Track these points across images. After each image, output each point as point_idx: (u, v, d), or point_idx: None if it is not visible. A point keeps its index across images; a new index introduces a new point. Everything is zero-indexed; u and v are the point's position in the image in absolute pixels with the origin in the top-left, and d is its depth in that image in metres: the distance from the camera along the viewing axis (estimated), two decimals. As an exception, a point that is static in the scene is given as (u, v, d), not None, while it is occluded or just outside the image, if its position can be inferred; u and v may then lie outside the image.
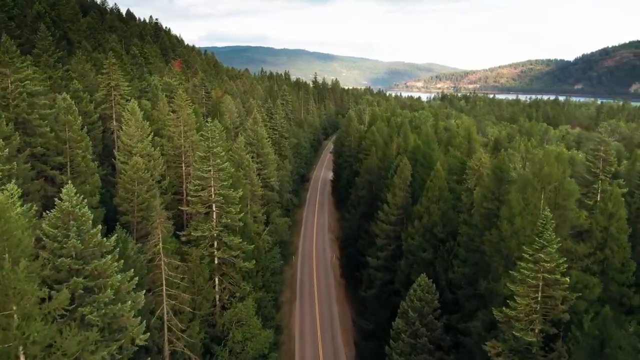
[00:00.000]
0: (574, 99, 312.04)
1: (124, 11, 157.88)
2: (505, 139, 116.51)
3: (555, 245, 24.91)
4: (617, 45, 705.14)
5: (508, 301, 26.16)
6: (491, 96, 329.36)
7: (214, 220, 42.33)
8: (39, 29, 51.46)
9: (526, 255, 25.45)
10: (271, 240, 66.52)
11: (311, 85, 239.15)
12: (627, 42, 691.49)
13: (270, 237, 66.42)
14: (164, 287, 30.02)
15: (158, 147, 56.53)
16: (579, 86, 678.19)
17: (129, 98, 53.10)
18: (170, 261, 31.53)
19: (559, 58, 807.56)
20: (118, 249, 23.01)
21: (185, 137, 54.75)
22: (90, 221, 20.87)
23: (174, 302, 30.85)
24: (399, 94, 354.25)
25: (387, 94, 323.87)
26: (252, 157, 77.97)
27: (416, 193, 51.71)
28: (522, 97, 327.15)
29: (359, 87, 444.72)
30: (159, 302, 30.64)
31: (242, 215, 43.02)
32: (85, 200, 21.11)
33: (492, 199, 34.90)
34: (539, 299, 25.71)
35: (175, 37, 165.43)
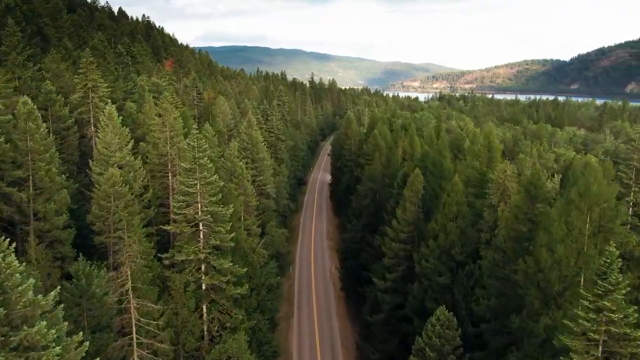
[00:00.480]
0: (573, 99, 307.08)
1: (117, 10, 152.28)
2: (510, 142, 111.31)
3: (623, 290, 19.60)
4: (612, 45, 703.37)
5: (562, 358, 20.82)
6: (489, 96, 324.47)
7: (201, 241, 36.86)
8: (7, 24, 45.77)
9: (585, 302, 20.10)
10: (267, 254, 61.14)
11: (308, 85, 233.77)
12: (623, 42, 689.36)
13: (265, 251, 61.03)
14: (134, 336, 24.58)
15: (142, 155, 51.08)
16: (575, 86, 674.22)
17: (108, 101, 47.40)
18: (142, 303, 26.03)
19: (555, 58, 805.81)
20: (62, 305, 17.47)
21: (172, 144, 49.21)
22: (19, 273, 15.34)
23: (147, 352, 25.37)
24: (396, 94, 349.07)
25: (385, 94, 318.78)
26: (247, 163, 72.53)
27: (426, 205, 46.50)
28: (520, 98, 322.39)
29: (355, 87, 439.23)
30: (130, 352, 25.23)
31: (233, 234, 37.53)
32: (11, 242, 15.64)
33: (523, 219, 29.62)
34: (600, 355, 20.40)
35: (169, 36, 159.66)
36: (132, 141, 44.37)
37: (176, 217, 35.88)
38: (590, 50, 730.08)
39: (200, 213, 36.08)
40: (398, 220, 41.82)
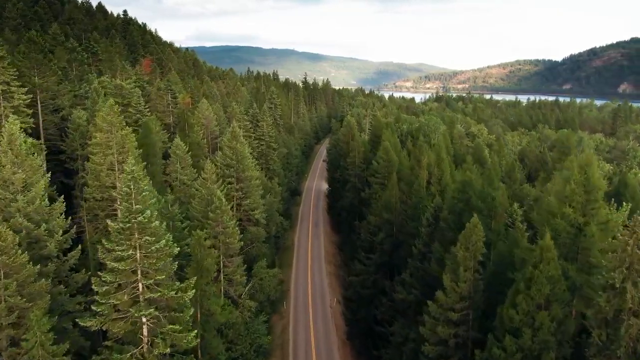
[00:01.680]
0: (577, 100, 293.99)
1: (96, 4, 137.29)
2: (532, 152, 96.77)
3: None
4: (604, 45, 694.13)
5: None
6: (488, 97, 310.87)
7: (145, 343, 22.60)
8: None
9: None
10: (254, 307, 46.86)
11: (301, 85, 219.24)
12: (614, 42, 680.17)
13: (253, 302, 46.76)
14: None
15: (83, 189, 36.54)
16: (567, 86, 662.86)
17: (23, 114, 32.69)
18: None
19: (547, 58, 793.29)
20: None
21: (120, 171, 34.79)
22: None
23: None
24: (391, 94, 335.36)
25: (380, 95, 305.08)
26: (230, 183, 58.18)
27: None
28: (516, 98, 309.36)
29: (348, 87, 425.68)
30: None
31: (194, 332, 23.18)
32: None
33: None
34: None
35: (150, 32, 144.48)
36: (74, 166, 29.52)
37: (100, 308, 21.42)
38: (582, 51, 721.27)
39: (141, 303, 21.78)
40: (446, 292, 27.67)
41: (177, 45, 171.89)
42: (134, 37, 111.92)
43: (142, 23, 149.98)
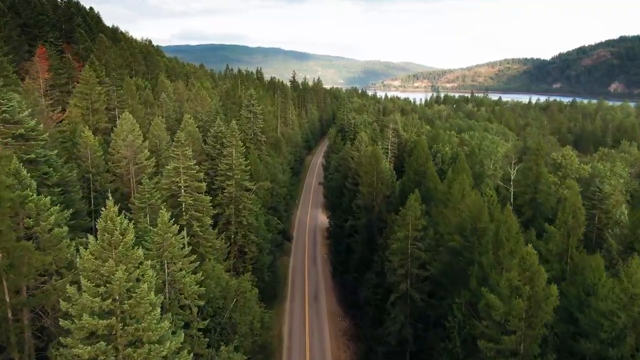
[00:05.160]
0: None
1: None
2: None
3: None
4: (593, 44, 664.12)
5: None
6: (494, 97, 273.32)
7: None
8: None
9: None
10: None
11: (289, 85, 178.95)
12: (604, 41, 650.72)
13: None
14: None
15: None
16: (557, 85, 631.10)
17: None
18: None
19: (535, 57, 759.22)
20: None
21: None
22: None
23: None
24: (386, 94, 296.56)
25: (378, 96, 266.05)
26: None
27: None
28: (529, 99, 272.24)
29: (338, 87, 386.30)
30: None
31: None
32: None
33: None
34: None
35: (86, 15, 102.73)
36: None
37: None
38: (571, 50, 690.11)
39: None
40: None
41: (164, 45, 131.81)
42: (37, 14, 70.69)
43: (90, 7, 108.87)
